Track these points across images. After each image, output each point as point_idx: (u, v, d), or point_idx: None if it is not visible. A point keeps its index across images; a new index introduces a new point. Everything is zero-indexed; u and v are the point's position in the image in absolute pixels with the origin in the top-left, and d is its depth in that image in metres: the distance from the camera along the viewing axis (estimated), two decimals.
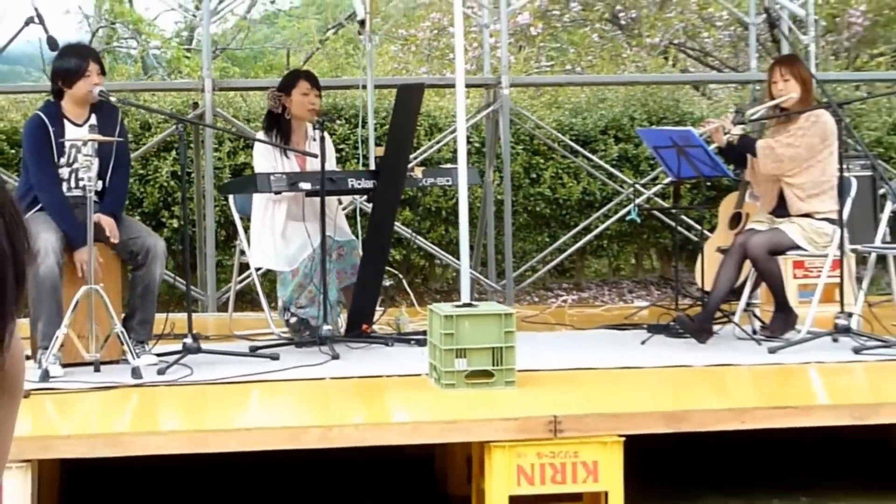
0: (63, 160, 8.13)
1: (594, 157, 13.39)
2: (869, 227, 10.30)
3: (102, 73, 8.36)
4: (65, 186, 8.16)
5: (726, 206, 9.86)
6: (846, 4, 16.66)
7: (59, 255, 7.83)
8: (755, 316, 9.22)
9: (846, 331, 8.34)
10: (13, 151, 12.13)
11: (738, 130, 9.02)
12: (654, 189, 13.25)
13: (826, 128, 8.74)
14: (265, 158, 9.16)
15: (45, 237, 7.77)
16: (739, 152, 9.07)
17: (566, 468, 6.38)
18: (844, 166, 8.85)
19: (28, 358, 7.44)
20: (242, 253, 9.67)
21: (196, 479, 7.29)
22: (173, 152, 12.44)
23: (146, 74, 20.06)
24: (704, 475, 7.42)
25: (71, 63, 8.24)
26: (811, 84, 8.97)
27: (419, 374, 7.62)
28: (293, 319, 9.03)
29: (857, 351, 8.10)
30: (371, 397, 7.43)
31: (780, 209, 8.89)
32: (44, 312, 7.75)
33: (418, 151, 12.18)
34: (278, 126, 9.22)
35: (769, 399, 7.23)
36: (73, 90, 8.18)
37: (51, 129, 8.09)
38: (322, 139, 8.72)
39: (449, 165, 10.44)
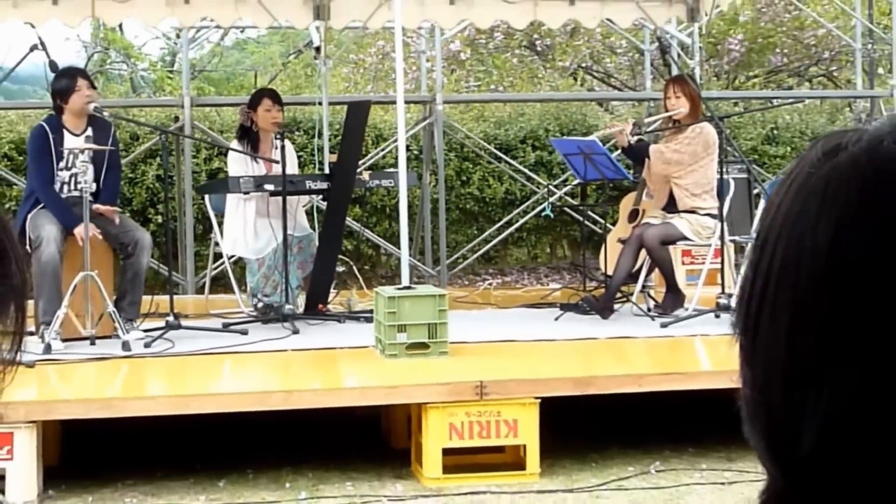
0: (62, 164, 8.12)
1: (515, 163, 13.38)
2: (745, 222, 10.35)
3: (92, 87, 8.39)
4: (65, 188, 8.16)
5: (626, 204, 9.87)
6: (726, 34, 16.72)
7: (59, 244, 7.85)
8: (650, 296, 9.26)
9: (726, 308, 8.39)
10: (21, 159, 12.00)
11: (636, 139, 9.07)
12: (565, 189, 13.26)
13: (708, 138, 8.79)
14: (238, 164, 9.18)
15: (48, 228, 7.82)
16: (638, 154, 9.13)
17: (491, 425, 6.39)
18: (724, 170, 8.91)
19: (31, 334, 7.41)
20: (216, 244, 9.64)
21: (178, 438, 7.24)
22: (158, 159, 12.34)
23: (135, 93, 19.91)
24: (607, 431, 7.43)
25: (63, 83, 8.30)
26: (699, 100, 9.02)
27: (367, 347, 7.61)
28: (260, 304, 9.03)
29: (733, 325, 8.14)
30: (326, 366, 7.42)
31: (670, 206, 8.94)
32: (45, 293, 7.73)
33: (366, 158, 12.13)
34: (248, 137, 9.22)
35: (662, 366, 7.26)
36: (69, 105, 8.18)
37: (51, 137, 8.09)
38: (283, 147, 8.73)
39: (392, 170, 10.39)
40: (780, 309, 0.87)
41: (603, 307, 8.79)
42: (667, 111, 9.07)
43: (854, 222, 0.84)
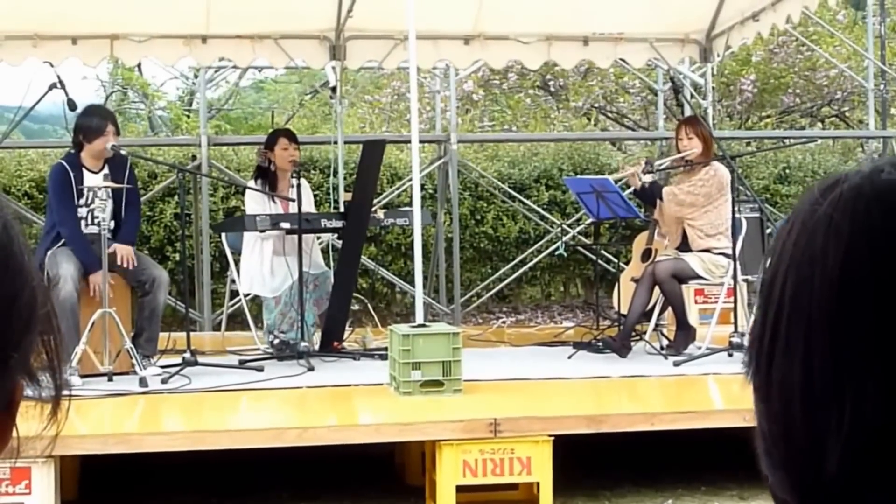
0: (81, 201, 8.15)
1: (528, 202, 13.42)
2: (758, 261, 10.35)
3: (117, 133, 8.38)
4: (83, 224, 8.18)
5: (639, 243, 9.88)
6: (738, 74, 16.76)
7: (76, 283, 7.89)
8: (663, 335, 9.25)
9: (739, 347, 8.38)
10: (41, 196, 12.08)
11: (648, 178, 9.07)
12: (578, 228, 13.29)
13: (722, 179, 8.80)
14: (256, 203, 9.21)
15: (65, 267, 7.85)
16: (650, 196, 9.13)
17: (504, 463, 6.38)
18: (737, 209, 8.92)
19: None
20: (233, 282, 9.66)
21: (194, 473, 7.25)
22: (175, 197, 12.40)
23: (153, 132, 20.01)
24: (620, 469, 7.42)
25: (93, 122, 8.27)
26: (711, 141, 9.02)
27: (381, 384, 7.61)
28: (276, 341, 9.04)
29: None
30: (341, 403, 7.42)
31: (684, 246, 8.93)
32: (62, 331, 7.72)
33: (381, 196, 12.17)
34: (266, 177, 9.26)
35: (674, 405, 7.24)
36: (91, 145, 8.20)
37: (72, 175, 8.11)
38: (298, 186, 8.76)
39: (406, 208, 10.43)
40: (795, 338, 0.90)
41: (620, 346, 8.78)
42: (679, 152, 9.08)
43: (861, 246, 0.88)
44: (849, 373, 0.87)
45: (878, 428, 0.86)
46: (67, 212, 8.13)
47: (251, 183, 9.38)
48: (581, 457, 6.93)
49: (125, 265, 8.12)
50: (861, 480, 0.87)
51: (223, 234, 9.98)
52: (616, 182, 9.42)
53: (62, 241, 8.07)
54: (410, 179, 10.97)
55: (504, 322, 12.76)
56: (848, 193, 0.90)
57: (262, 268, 9.08)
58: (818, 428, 0.88)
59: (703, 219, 8.82)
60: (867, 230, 0.88)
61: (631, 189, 9.39)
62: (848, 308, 0.88)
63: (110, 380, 7.72)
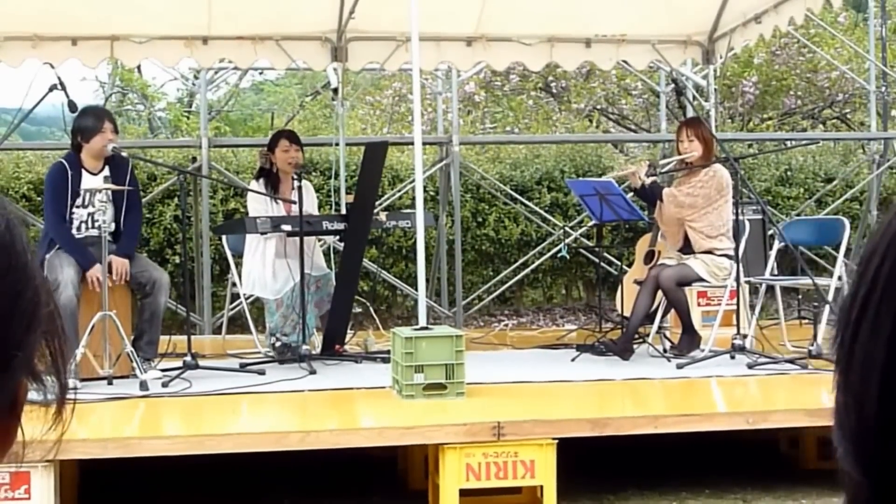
0: (80, 202, 8.14)
1: (530, 204, 13.41)
2: (760, 263, 10.34)
3: (115, 131, 8.36)
4: (82, 227, 8.16)
5: (642, 245, 9.87)
6: (740, 76, 16.75)
7: (76, 287, 7.89)
8: (666, 337, 9.23)
9: (741, 350, 8.37)
10: (39, 199, 12.05)
11: (648, 179, 9.06)
12: (581, 231, 13.28)
13: (722, 181, 8.79)
14: (258, 204, 9.18)
15: (66, 271, 7.84)
16: (650, 196, 9.12)
17: (508, 466, 6.36)
18: (739, 211, 8.91)
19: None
20: (234, 284, 9.66)
21: (194, 477, 7.23)
22: (175, 199, 12.39)
23: (152, 133, 19.99)
24: (624, 472, 7.40)
25: (89, 122, 8.26)
26: (712, 142, 9.00)
27: (384, 387, 7.58)
28: (278, 344, 9.02)
29: (750, 366, 8.12)
30: (343, 406, 7.39)
31: (686, 247, 8.92)
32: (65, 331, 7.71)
33: (383, 198, 12.16)
34: (268, 178, 9.23)
35: (678, 407, 7.22)
36: (90, 145, 8.18)
37: (69, 174, 8.10)
38: (300, 188, 8.74)
39: (408, 210, 10.42)
40: (884, 317, 0.91)
41: (623, 349, 8.77)
42: (679, 154, 9.07)
43: None
44: None
45: None
46: (57, 213, 8.13)
47: (253, 184, 9.35)
48: (584, 460, 6.91)
49: (118, 280, 8.08)
50: None
51: (223, 237, 9.96)
52: (616, 181, 9.41)
53: (56, 242, 8.06)
54: (412, 181, 10.97)
55: (506, 325, 12.74)
56: None
57: (265, 270, 9.06)
58: (889, 408, 0.90)
59: (702, 220, 8.80)
60: None
61: (628, 185, 9.38)
62: None
63: (110, 383, 7.70)
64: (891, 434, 0.89)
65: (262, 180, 9.26)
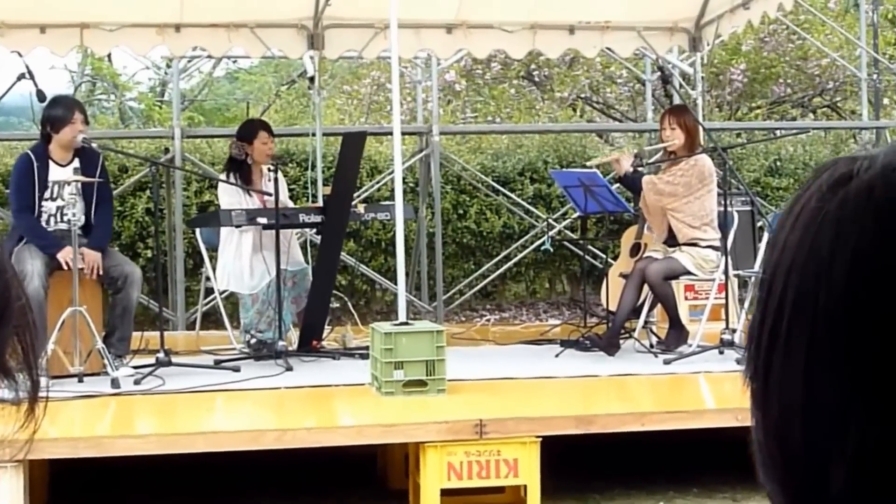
0: (48, 195, 8.11)
1: (513, 196, 13.41)
2: (749, 255, 10.36)
3: (86, 122, 8.35)
4: (52, 221, 8.14)
5: (627, 237, 9.88)
6: (728, 64, 16.77)
7: (43, 279, 7.84)
8: (652, 332, 9.25)
9: (730, 345, 8.37)
10: (6, 191, 12.02)
11: (630, 167, 9.09)
12: (565, 223, 13.29)
13: (704, 170, 8.79)
14: (231, 197, 9.16)
15: (32, 262, 7.81)
16: (634, 184, 9.14)
17: (490, 465, 6.37)
18: (728, 202, 8.92)
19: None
20: (208, 279, 9.64)
21: (168, 477, 7.22)
22: (147, 191, 12.36)
23: (124, 124, 19.95)
24: (610, 471, 7.41)
25: (59, 111, 8.24)
26: (696, 131, 9.02)
27: (362, 384, 7.59)
28: (252, 340, 9.02)
29: (739, 362, 8.13)
30: (320, 404, 7.40)
31: (671, 239, 8.93)
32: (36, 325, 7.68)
33: (361, 190, 12.15)
34: (240, 170, 9.21)
35: (665, 404, 7.25)
36: (59, 135, 8.15)
37: (35, 165, 8.07)
38: (276, 179, 8.74)
39: (387, 202, 10.40)
40: (796, 346, 0.85)
41: (608, 344, 8.78)
42: (662, 143, 9.09)
43: (871, 254, 0.82)
44: (854, 391, 0.82)
45: (888, 452, 0.81)
46: (22, 202, 8.12)
47: (223, 177, 9.34)
48: (569, 458, 6.91)
49: (90, 274, 8.05)
50: (869, 502, 0.82)
51: (197, 230, 9.95)
52: (597, 168, 9.43)
53: (26, 239, 8.03)
54: (391, 173, 10.95)
55: (488, 320, 12.74)
56: (858, 194, 0.84)
57: (240, 264, 9.05)
58: (819, 449, 0.83)
59: (685, 210, 8.81)
60: (878, 236, 0.83)
61: (613, 175, 9.41)
62: (854, 321, 0.82)
63: (81, 381, 7.69)
64: (822, 479, 0.83)
65: (233, 173, 9.23)
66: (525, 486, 6.44)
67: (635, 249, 9.54)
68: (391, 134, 9.05)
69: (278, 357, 8.38)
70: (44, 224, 8.13)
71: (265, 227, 8.80)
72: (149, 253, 12.28)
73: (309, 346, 8.97)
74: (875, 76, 14.59)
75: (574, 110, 17.88)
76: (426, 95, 13.83)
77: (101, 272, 8.12)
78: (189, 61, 14.20)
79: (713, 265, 8.78)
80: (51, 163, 8.17)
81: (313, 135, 11.89)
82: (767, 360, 0.87)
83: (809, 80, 17.28)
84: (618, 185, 9.53)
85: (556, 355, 8.86)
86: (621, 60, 14.07)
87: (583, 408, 7.10)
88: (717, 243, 8.76)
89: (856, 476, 0.82)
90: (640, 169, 9.26)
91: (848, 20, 16.76)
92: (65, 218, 8.07)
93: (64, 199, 8.08)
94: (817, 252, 0.85)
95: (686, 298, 10.47)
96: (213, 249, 9.51)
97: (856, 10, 16.03)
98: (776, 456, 0.87)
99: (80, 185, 8.02)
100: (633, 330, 9.17)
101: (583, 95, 17.77)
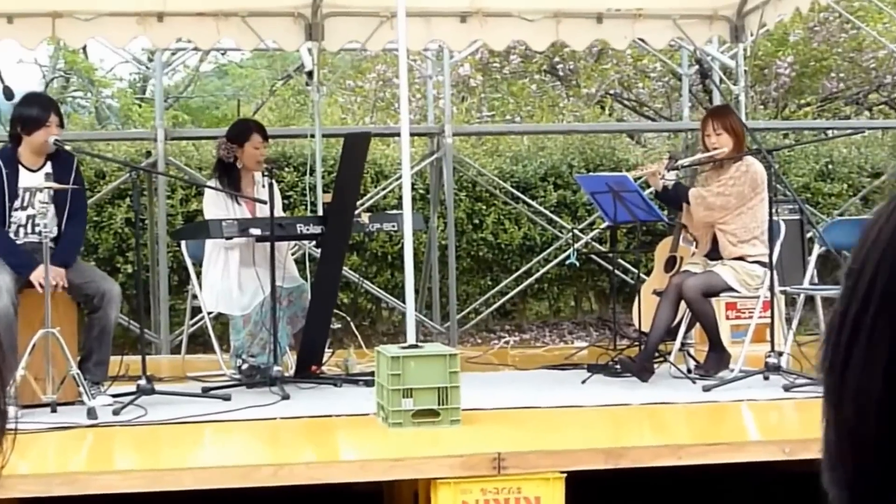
0: (18, 204, 8.11)
1: (534, 204, 13.43)
2: (798, 270, 10.35)
3: (61, 124, 8.35)
4: (21, 232, 8.14)
5: (661, 250, 9.87)
6: (774, 56, 16.78)
7: (13, 296, 7.84)
8: (690, 355, 9.24)
9: (777, 369, 8.37)
10: None
11: (671, 176, 9.05)
12: (592, 234, 13.31)
13: (756, 176, 8.77)
14: (216, 206, 9.16)
15: (1, 277, 7.77)
16: (674, 198, 9.11)
17: (510, 503, 6.37)
18: (774, 211, 8.91)
19: None
20: (195, 297, 9.66)
21: None
22: (127, 199, 12.38)
23: (100, 124, 20.00)
24: None
25: (33, 112, 8.23)
26: (743, 134, 8.98)
27: (367, 414, 7.60)
28: (244, 366, 9.02)
29: (787, 388, 8.13)
30: (320, 436, 7.40)
31: (714, 252, 8.92)
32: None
33: (365, 198, 12.18)
34: (228, 174, 9.22)
35: (704, 435, 7.24)
36: (31, 138, 8.15)
37: (3, 171, 8.06)
38: (270, 185, 8.72)
39: (394, 211, 10.44)
40: (879, 339, 0.88)
41: (641, 368, 8.77)
42: (705, 148, 9.02)
43: None
44: None
45: None
46: None
47: (211, 182, 9.34)
48: (597, 496, 6.92)
49: (56, 288, 8.04)
50: None
51: (183, 243, 9.97)
52: (635, 181, 9.41)
53: None
54: (399, 178, 10.98)
55: (507, 342, 12.74)
56: None
57: (229, 282, 9.06)
58: (893, 450, 0.86)
59: (735, 222, 8.79)
60: None
61: (651, 189, 9.39)
62: None
63: (54, 410, 7.70)
64: (891, 483, 0.85)
65: (220, 178, 9.24)
66: None
67: (670, 263, 9.54)
68: (398, 135, 9.06)
69: (273, 384, 8.39)
70: (13, 236, 8.13)
71: (258, 238, 8.81)
72: (129, 268, 12.31)
73: (307, 371, 8.98)
74: None
75: (602, 108, 17.91)
76: (437, 92, 13.86)
77: (66, 285, 8.10)
78: (173, 54, 14.19)
79: (758, 281, 8.77)
80: (20, 168, 8.16)
81: (312, 136, 11.91)
82: (847, 353, 0.91)
83: (865, 74, 17.28)
84: (649, 191, 9.51)
85: (583, 381, 8.86)
86: (655, 52, 14.09)
87: (612, 440, 7.10)
88: (765, 258, 8.74)
89: None
90: (681, 180, 9.22)
91: None
92: (36, 229, 8.04)
93: (35, 208, 8.04)
94: None
95: (727, 318, 10.46)
96: (200, 264, 9.52)
97: None
98: (846, 457, 0.90)
99: (52, 192, 8.01)
100: (669, 353, 9.16)
101: (612, 91, 17.79)
